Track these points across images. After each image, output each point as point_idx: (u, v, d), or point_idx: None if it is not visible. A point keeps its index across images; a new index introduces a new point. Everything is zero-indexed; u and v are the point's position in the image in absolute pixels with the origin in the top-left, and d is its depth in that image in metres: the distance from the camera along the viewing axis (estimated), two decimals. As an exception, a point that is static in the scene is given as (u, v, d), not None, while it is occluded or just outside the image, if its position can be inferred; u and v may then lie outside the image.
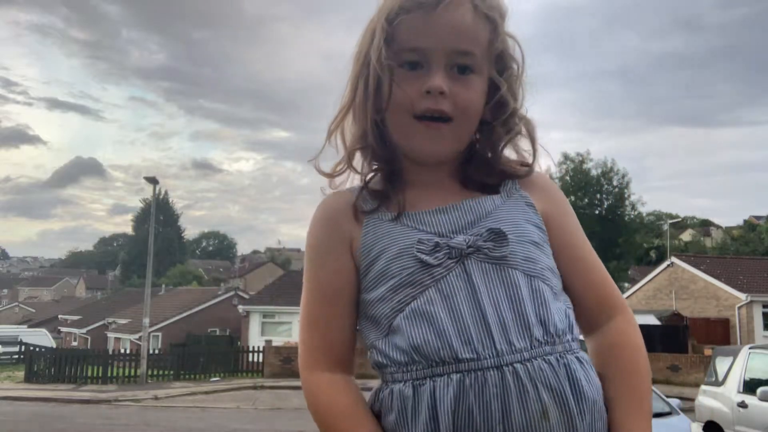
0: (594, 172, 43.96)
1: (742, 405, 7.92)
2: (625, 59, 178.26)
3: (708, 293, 28.33)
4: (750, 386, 8.01)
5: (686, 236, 78.75)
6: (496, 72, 1.12)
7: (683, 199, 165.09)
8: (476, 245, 1.04)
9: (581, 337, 1.14)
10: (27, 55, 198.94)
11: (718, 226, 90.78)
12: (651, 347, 23.33)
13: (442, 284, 1.02)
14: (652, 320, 26.53)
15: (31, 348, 25.01)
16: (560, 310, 1.05)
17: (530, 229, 1.09)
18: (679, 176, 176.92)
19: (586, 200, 43.76)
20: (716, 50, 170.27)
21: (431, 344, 0.99)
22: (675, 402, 7.04)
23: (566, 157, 44.68)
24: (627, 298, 34.08)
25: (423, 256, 1.03)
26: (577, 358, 1.02)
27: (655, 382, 15.66)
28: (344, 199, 1.14)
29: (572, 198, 43.71)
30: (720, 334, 26.46)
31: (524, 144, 1.17)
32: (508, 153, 1.18)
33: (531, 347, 0.98)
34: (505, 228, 1.06)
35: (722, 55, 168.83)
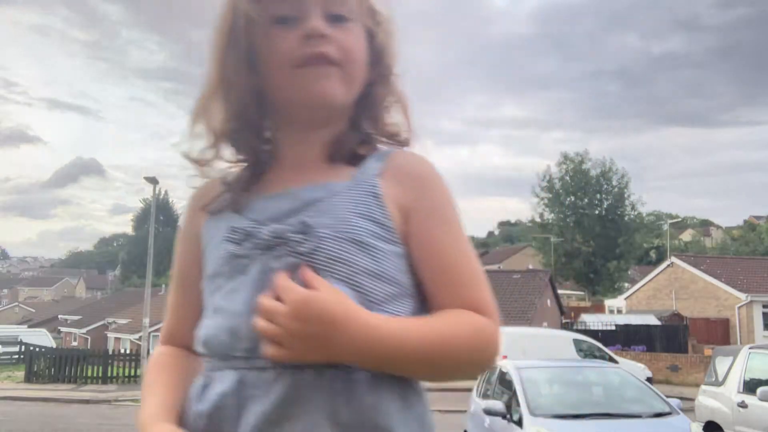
0: (593, 172, 43.92)
1: (742, 405, 7.92)
2: (625, 59, 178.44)
3: (708, 293, 28.34)
4: (750, 386, 7.99)
5: (686, 236, 78.84)
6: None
7: (683, 199, 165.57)
8: (284, 236, 0.94)
9: None
10: (27, 55, 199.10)
11: (718, 226, 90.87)
12: (651, 347, 23.48)
13: (242, 276, 0.95)
14: (652, 320, 26.54)
15: (31, 348, 24.94)
16: None
17: (358, 224, 0.94)
18: (679, 176, 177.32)
19: (586, 200, 43.72)
20: (715, 50, 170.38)
21: (214, 338, 0.96)
22: (675, 402, 7.03)
23: (566, 157, 44.64)
24: (627, 298, 34.12)
25: (230, 246, 0.97)
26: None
27: (655, 382, 15.65)
28: (207, 189, 1.09)
29: (572, 198, 43.71)
30: (720, 334, 26.48)
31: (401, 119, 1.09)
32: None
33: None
34: (325, 220, 0.94)
35: (722, 55, 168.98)
